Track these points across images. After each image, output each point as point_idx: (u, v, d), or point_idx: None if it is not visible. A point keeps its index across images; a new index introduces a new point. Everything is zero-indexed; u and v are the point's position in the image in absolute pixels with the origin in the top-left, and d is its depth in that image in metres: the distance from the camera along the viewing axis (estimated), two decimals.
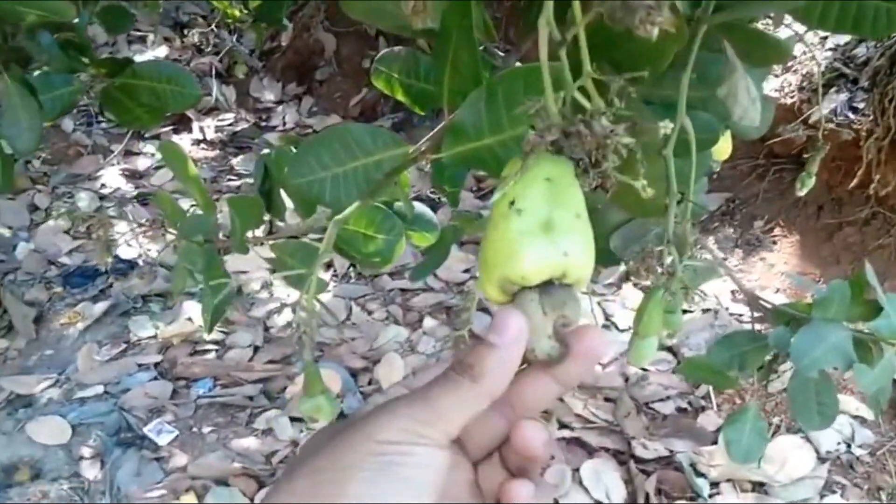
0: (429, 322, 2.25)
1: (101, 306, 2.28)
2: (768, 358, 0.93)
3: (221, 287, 0.71)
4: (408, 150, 0.68)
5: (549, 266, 0.38)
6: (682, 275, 0.55)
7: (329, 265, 2.46)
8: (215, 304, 0.78)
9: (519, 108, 0.39)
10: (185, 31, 3.60)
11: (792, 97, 2.31)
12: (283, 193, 0.88)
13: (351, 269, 2.51)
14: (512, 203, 0.38)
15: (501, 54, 0.94)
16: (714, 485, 1.74)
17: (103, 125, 3.18)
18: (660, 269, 0.55)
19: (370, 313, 2.32)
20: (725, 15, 0.47)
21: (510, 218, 0.38)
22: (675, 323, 0.66)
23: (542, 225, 0.38)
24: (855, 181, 2.15)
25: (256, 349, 2.16)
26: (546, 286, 0.38)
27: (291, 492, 0.38)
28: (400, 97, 0.82)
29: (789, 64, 2.35)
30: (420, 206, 0.89)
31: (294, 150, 0.81)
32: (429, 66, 0.79)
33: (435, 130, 0.64)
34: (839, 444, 1.81)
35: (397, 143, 0.69)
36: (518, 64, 0.70)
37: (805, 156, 0.97)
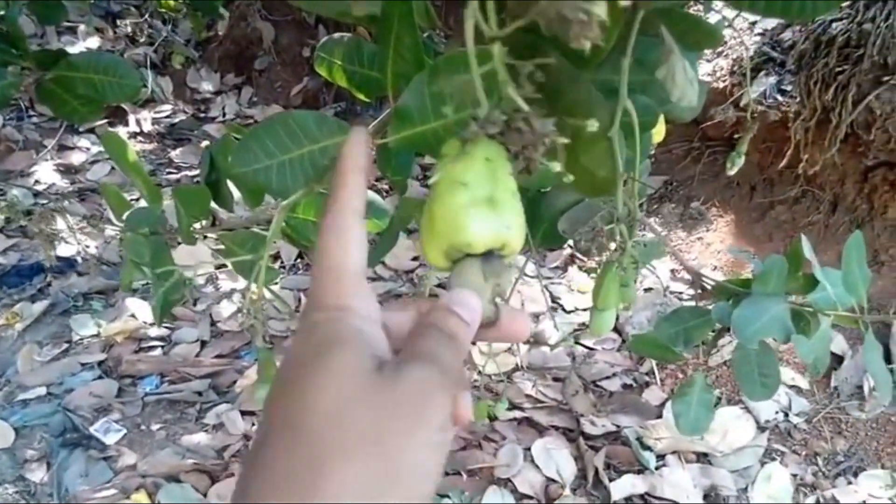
0: None
1: (39, 306, 2.21)
2: (712, 332, 0.96)
3: (170, 277, 0.70)
4: None
5: (494, 236, 0.40)
6: (632, 250, 0.57)
7: (276, 256, 2.44)
8: (164, 296, 0.77)
9: (441, 85, 0.40)
10: (118, 22, 3.50)
11: (724, 81, 2.38)
12: (230, 184, 0.87)
13: (298, 260, 2.49)
14: (455, 179, 0.41)
15: (444, 41, 0.95)
16: (660, 457, 1.79)
17: (34, 119, 3.07)
18: (612, 246, 0.58)
19: None
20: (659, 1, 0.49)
21: (456, 191, 0.40)
22: (629, 296, 0.70)
23: (487, 199, 0.40)
24: (784, 161, 2.23)
25: (203, 344, 2.14)
26: (487, 256, 0.41)
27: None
28: (343, 84, 0.81)
29: (720, 49, 2.42)
30: (369, 194, 0.89)
31: (238, 139, 0.80)
32: (372, 53, 0.79)
33: (382, 116, 0.65)
34: (777, 413, 1.89)
35: (343, 129, 0.69)
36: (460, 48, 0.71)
37: (736, 137, 1.01)
